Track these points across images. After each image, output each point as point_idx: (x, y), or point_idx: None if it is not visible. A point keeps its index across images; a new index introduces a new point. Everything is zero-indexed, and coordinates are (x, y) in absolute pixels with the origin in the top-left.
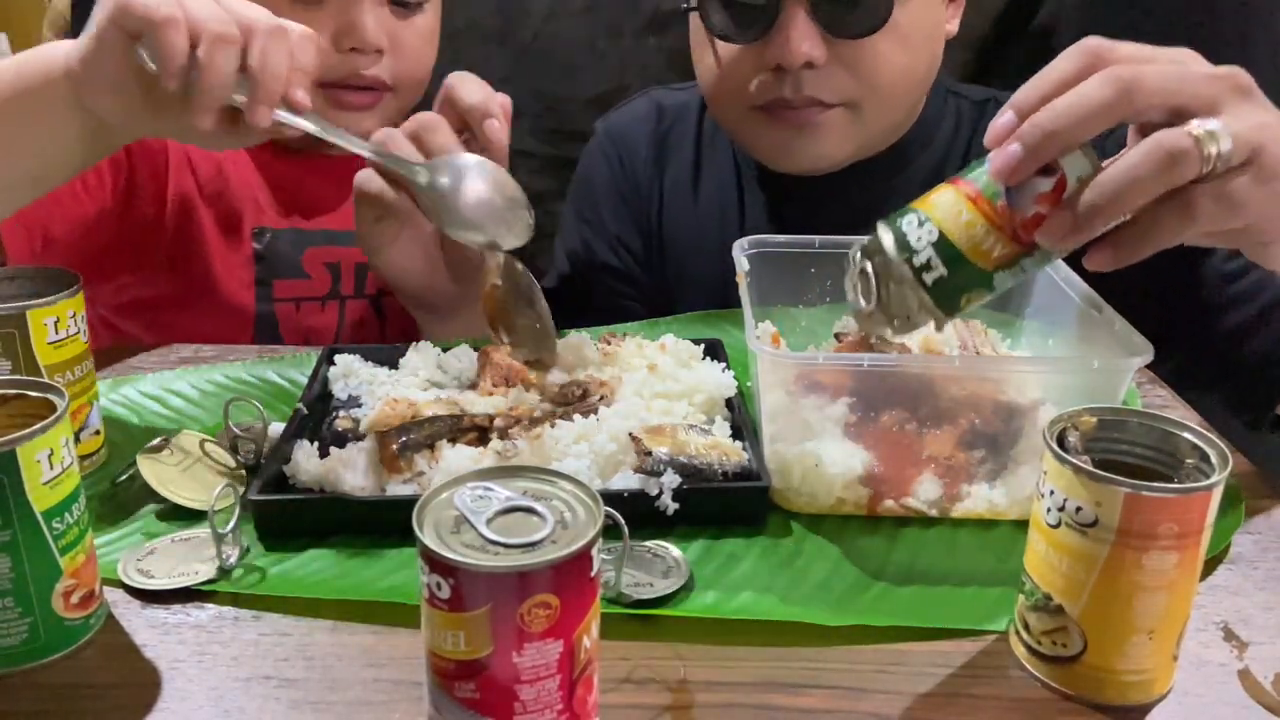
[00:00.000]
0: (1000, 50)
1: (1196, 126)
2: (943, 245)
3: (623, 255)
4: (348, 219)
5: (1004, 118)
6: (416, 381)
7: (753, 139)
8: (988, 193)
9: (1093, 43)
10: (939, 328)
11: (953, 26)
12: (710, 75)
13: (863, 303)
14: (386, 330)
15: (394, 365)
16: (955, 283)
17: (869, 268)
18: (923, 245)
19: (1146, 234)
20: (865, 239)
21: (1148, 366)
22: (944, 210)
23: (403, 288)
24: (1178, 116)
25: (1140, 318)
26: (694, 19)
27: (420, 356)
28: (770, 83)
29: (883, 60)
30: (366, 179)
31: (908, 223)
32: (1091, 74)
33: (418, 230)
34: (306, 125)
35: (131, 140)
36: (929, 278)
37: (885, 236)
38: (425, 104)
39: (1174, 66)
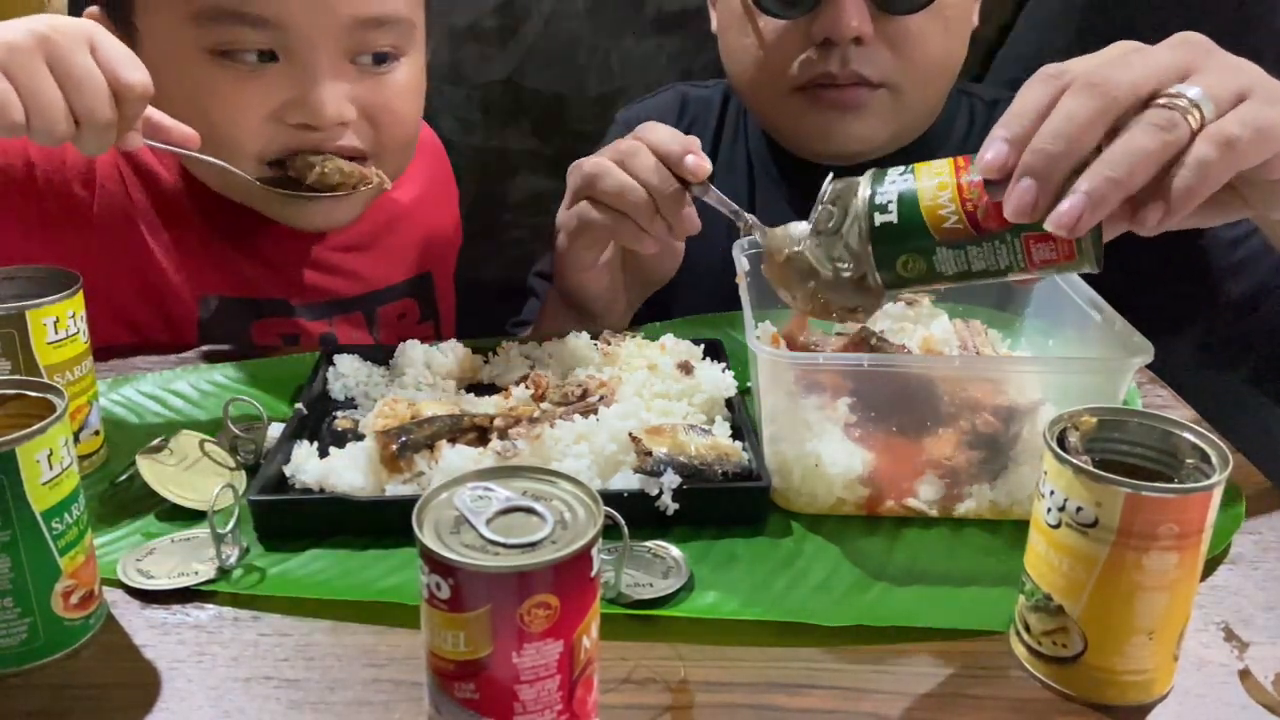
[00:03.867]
0: (1003, 51)
1: (1176, 96)
2: (907, 194)
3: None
4: (312, 294)
5: (996, 148)
6: (405, 380)
7: (791, 123)
8: (972, 170)
9: (1050, 68)
10: (873, 300)
11: (975, 19)
12: (748, 57)
13: (810, 229)
14: None
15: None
16: (900, 232)
17: (837, 189)
18: (893, 188)
19: (1197, 178)
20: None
21: (1160, 357)
22: (929, 169)
23: (583, 299)
24: (1155, 98)
25: (1151, 301)
26: (725, 2)
27: (408, 356)
28: (814, 60)
29: (926, 40)
30: (586, 210)
31: (895, 169)
32: (1061, 93)
33: (611, 255)
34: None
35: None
36: (879, 219)
37: (868, 174)
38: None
39: (1133, 55)
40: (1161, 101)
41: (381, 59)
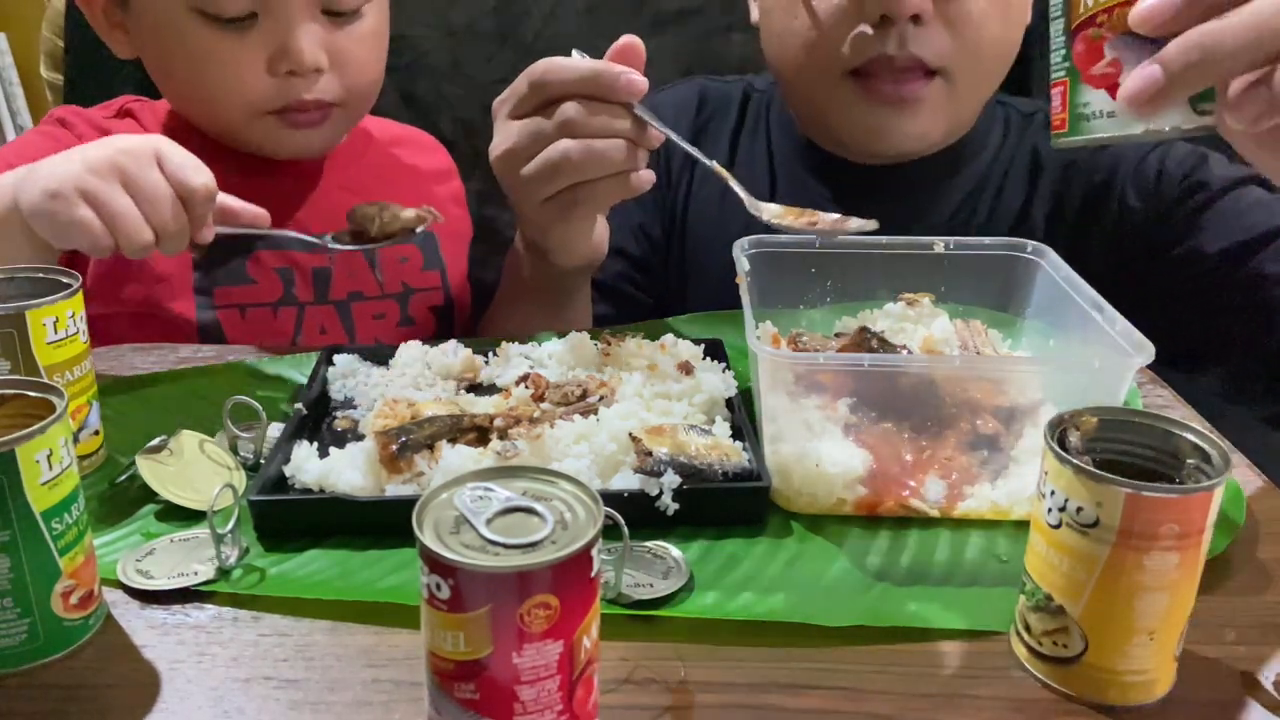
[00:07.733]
0: (1029, 64)
1: None
2: None
3: (641, 242)
4: (302, 224)
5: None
6: (405, 380)
7: (841, 117)
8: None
9: None
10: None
11: (1029, 14)
12: (797, 40)
13: None
14: (356, 339)
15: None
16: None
17: None
18: None
19: None
20: None
21: (1176, 371)
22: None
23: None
24: None
25: (1183, 330)
26: None
27: (408, 355)
28: (869, 39)
29: (984, 23)
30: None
31: None
32: None
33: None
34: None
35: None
36: None
37: None
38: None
39: None
40: None
41: (344, 13)
